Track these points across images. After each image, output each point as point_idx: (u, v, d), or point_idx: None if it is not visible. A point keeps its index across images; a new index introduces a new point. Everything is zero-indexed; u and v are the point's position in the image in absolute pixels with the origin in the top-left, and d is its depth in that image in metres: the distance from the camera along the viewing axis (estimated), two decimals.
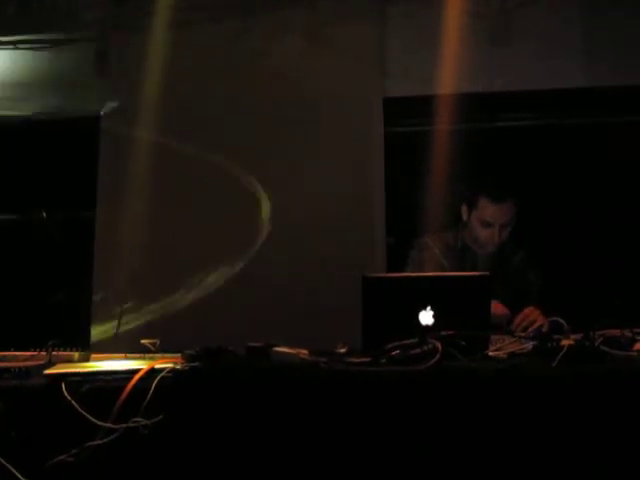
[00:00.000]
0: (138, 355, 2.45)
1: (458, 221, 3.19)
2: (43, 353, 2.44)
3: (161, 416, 2.06)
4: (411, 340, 2.10)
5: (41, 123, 4.32)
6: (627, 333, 2.31)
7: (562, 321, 2.23)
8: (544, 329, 2.62)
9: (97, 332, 3.93)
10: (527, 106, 4.22)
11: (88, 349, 2.53)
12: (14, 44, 4.36)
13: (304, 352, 2.19)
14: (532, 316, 2.81)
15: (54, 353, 2.43)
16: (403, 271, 3.14)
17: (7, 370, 2.25)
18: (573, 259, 3.98)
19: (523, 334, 2.33)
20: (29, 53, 4.37)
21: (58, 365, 2.31)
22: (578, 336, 2.22)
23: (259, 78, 4.17)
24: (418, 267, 3.10)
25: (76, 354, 2.46)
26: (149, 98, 4.12)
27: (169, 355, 2.36)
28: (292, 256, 3.99)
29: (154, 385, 2.08)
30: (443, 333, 2.09)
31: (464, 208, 3.12)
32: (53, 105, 4.33)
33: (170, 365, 2.16)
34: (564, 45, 4.14)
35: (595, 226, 4.03)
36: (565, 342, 2.14)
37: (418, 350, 2.06)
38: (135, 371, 2.14)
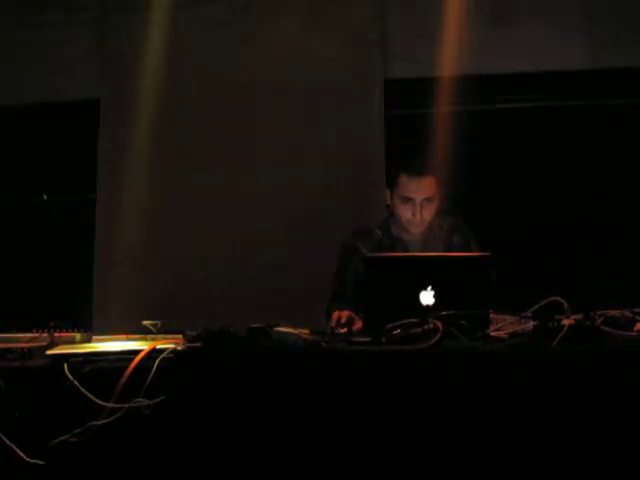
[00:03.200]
0: (140, 336, 2.46)
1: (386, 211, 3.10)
2: (45, 334, 2.45)
3: (163, 396, 2.08)
4: (412, 320, 2.11)
5: (40, 106, 4.30)
6: (627, 313, 2.31)
7: (563, 300, 2.22)
8: None
9: (98, 313, 3.95)
10: (529, 88, 4.20)
11: (90, 330, 2.54)
12: (13, 26, 4.33)
13: (305, 332, 2.19)
14: None
15: (56, 334, 2.45)
16: (331, 282, 3.03)
17: (10, 351, 2.26)
18: (572, 240, 3.99)
19: (524, 314, 2.32)
20: (28, 35, 4.34)
21: (60, 346, 2.33)
22: (579, 316, 2.22)
23: (258, 60, 4.14)
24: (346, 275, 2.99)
25: (78, 335, 2.48)
26: (148, 81, 4.10)
27: (170, 336, 2.37)
28: (291, 239, 3.99)
29: (156, 366, 2.09)
30: (444, 313, 2.10)
31: (387, 193, 3.02)
32: (52, 88, 4.31)
33: (172, 346, 2.17)
34: (566, 26, 4.12)
35: (596, 208, 4.02)
36: (566, 322, 2.14)
37: (419, 330, 2.07)
38: (137, 352, 2.15)
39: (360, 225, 3.17)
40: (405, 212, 2.93)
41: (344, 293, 2.96)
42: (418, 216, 2.91)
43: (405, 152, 3.13)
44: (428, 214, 2.93)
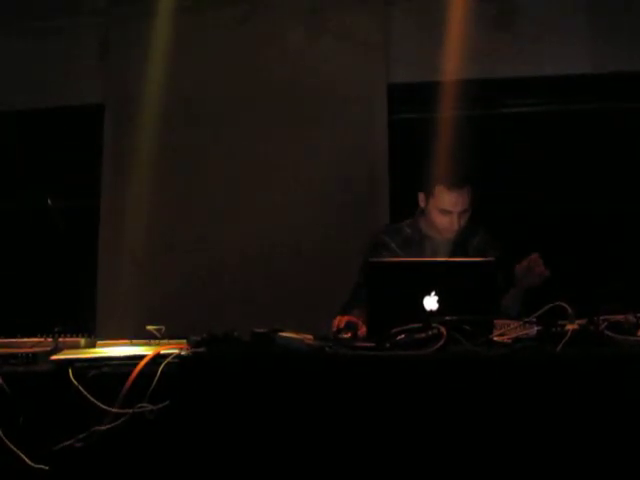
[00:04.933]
0: (144, 341, 2.46)
1: (415, 210, 3.14)
2: (49, 339, 2.44)
3: (167, 402, 2.08)
4: (416, 325, 2.11)
5: (45, 111, 4.31)
6: (631, 318, 2.31)
7: (566, 305, 2.23)
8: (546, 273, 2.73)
9: (102, 318, 3.96)
10: (532, 92, 4.20)
11: (94, 335, 2.54)
12: (18, 32, 4.35)
13: (309, 337, 2.19)
14: (537, 261, 2.81)
15: (60, 339, 2.44)
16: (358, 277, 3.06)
17: (14, 356, 2.26)
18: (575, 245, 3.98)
19: (527, 319, 2.32)
20: (33, 40, 4.36)
21: (65, 351, 2.32)
22: (582, 321, 2.22)
23: (262, 65, 4.16)
24: None
25: (82, 340, 2.47)
26: (153, 87, 4.11)
27: (174, 341, 2.37)
28: (294, 244, 4.00)
29: (160, 371, 2.09)
30: (447, 318, 2.10)
31: (421, 196, 3.06)
32: (57, 93, 4.32)
33: (176, 351, 2.17)
34: (569, 31, 4.12)
35: (598, 210, 4.02)
36: (569, 327, 2.14)
37: (423, 335, 2.08)
38: (141, 357, 2.15)
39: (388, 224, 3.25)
40: (442, 222, 3.00)
41: None
42: (455, 226, 2.98)
43: (441, 160, 3.15)
44: (464, 221, 3.01)
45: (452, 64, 3.99)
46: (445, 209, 2.97)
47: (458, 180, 2.97)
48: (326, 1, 4.20)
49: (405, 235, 3.09)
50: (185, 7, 4.19)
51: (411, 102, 4.21)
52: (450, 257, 2.97)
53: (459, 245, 3.05)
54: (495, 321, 2.25)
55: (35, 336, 2.48)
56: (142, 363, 2.12)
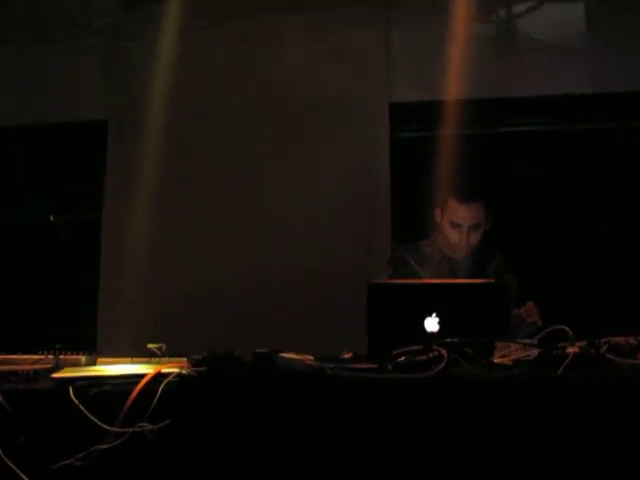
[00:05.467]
0: (144, 359, 2.46)
1: (435, 227, 3.16)
2: (50, 356, 2.44)
3: (167, 421, 2.07)
4: (417, 347, 2.11)
5: (49, 127, 4.33)
6: (632, 341, 2.31)
7: (567, 328, 2.23)
8: (539, 323, 2.73)
9: (103, 334, 3.96)
10: (533, 112, 4.22)
11: (95, 352, 2.54)
12: (23, 49, 4.38)
13: (310, 358, 2.19)
14: (531, 311, 2.81)
15: (61, 356, 2.44)
16: None
17: (15, 373, 2.25)
18: (573, 264, 3.99)
19: (527, 341, 2.32)
20: (38, 56, 4.39)
21: (65, 369, 2.32)
22: (583, 343, 2.22)
23: (264, 83, 4.19)
24: None
25: (83, 358, 2.47)
26: (156, 103, 4.14)
27: (175, 359, 2.36)
28: (295, 260, 4.00)
29: (160, 390, 2.09)
30: (448, 340, 2.10)
31: (437, 211, 3.10)
32: (61, 110, 4.34)
33: (176, 370, 2.17)
34: (569, 51, 4.15)
35: (600, 233, 4.03)
36: (570, 350, 2.14)
37: (423, 357, 2.07)
38: (142, 375, 2.15)
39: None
40: (453, 235, 3.03)
41: None
42: (464, 242, 3.00)
43: (455, 175, 3.18)
44: (475, 239, 3.03)
45: (453, 83, 4.01)
46: (455, 222, 3.01)
47: (469, 194, 2.99)
48: (328, 19, 4.23)
49: (425, 253, 3.12)
50: (187, 24, 4.21)
51: (413, 121, 4.23)
52: (468, 278, 2.98)
53: (477, 267, 3.07)
54: (496, 343, 2.25)
55: (36, 353, 2.48)
56: (143, 382, 2.12)
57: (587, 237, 4.04)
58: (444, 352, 2.06)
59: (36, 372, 2.27)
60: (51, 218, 3.91)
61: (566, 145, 4.16)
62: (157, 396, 2.08)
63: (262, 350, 2.21)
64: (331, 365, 2.14)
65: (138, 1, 4.35)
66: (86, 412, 2.08)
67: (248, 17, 4.24)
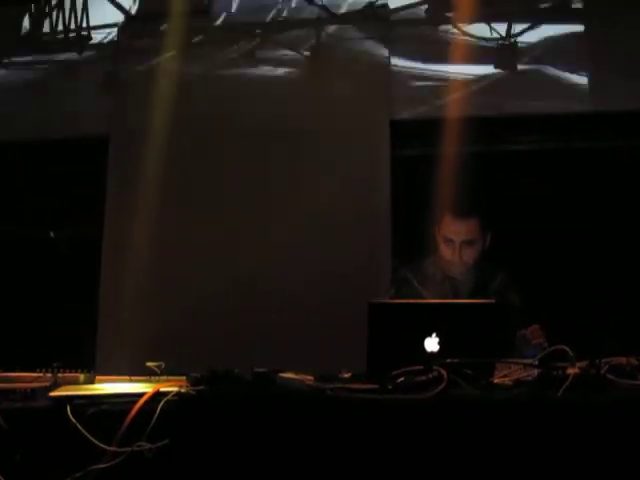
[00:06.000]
0: (143, 378, 2.44)
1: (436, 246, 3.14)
2: (48, 374, 2.43)
3: (166, 440, 2.06)
4: (417, 367, 2.10)
5: (50, 143, 4.34)
6: (633, 361, 2.30)
7: (567, 349, 2.22)
8: (545, 344, 2.69)
9: (102, 351, 3.94)
10: (532, 130, 4.23)
11: (93, 370, 2.53)
12: (26, 65, 4.40)
13: (309, 378, 2.19)
14: (536, 333, 2.80)
15: (59, 374, 2.43)
16: None
17: (12, 391, 2.25)
18: (574, 282, 3.98)
19: (528, 361, 2.31)
20: (40, 74, 4.41)
21: (63, 387, 2.31)
22: (584, 363, 2.21)
23: (265, 100, 4.20)
24: None
25: (81, 376, 2.46)
26: (158, 120, 4.14)
27: (174, 378, 2.35)
28: (296, 278, 4.00)
29: (159, 409, 2.08)
30: (448, 360, 2.09)
31: (436, 228, 3.08)
32: (62, 126, 4.35)
33: (175, 389, 2.16)
34: (570, 69, 4.17)
35: (600, 250, 4.02)
36: (570, 370, 2.13)
37: (423, 377, 2.07)
38: (140, 394, 2.14)
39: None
40: (446, 252, 3.01)
41: None
42: (457, 257, 2.97)
43: (450, 192, 3.18)
44: (468, 256, 2.99)
45: (453, 101, 4.03)
46: (447, 237, 2.99)
47: (463, 209, 2.98)
48: (329, 36, 4.25)
49: (425, 273, 3.10)
50: (189, 43, 4.23)
51: (413, 138, 4.24)
52: (470, 299, 2.96)
53: (480, 287, 3.04)
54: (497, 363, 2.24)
55: (34, 370, 2.47)
56: (141, 401, 2.11)
57: (589, 254, 4.03)
58: (444, 373, 2.05)
59: (34, 390, 2.26)
60: (51, 234, 3.93)
61: (566, 163, 4.16)
62: (156, 415, 2.07)
63: (261, 369, 2.20)
64: (331, 386, 2.13)
65: (139, 18, 4.38)
66: (84, 431, 2.08)
67: (248, 34, 4.25)
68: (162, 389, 2.17)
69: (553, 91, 4.16)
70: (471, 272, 3.04)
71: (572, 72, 4.18)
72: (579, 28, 4.25)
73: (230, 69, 4.28)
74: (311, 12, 4.30)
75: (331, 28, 4.26)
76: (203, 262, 4.11)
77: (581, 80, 4.20)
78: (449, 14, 4.25)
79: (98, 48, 4.42)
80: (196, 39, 4.26)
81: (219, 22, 4.32)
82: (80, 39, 4.43)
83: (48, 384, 2.35)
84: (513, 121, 4.21)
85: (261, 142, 4.18)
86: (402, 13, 4.30)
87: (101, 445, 2.07)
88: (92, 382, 2.45)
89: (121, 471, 2.06)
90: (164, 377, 2.40)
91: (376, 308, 2.28)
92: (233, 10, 4.33)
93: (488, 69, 4.17)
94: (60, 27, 4.44)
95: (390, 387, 2.06)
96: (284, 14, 4.28)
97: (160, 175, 4.13)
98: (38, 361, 2.50)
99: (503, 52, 4.21)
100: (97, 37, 4.44)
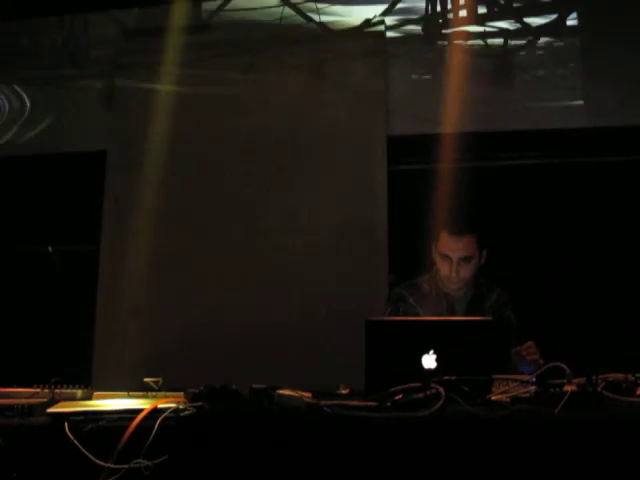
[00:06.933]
0: (141, 393, 2.44)
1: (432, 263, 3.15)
2: (46, 390, 2.43)
3: (164, 457, 2.06)
4: (414, 384, 2.10)
5: (47, 157, 4.35)
6: (630, 377, 2.31)
7: (564, 366, 2.22)
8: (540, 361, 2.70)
9: (99, 366, 3.93)
10: (529, 146, 4.25)
11: (90, 386, 2.52)
12: (24, 80, 4.42)
13: (307, 395, 2.19)
14: (531, 349, 2.81)
15: (57, 390, 2.43)
16: None
17: (10, 407, 2.24)
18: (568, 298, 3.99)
19: (525, 378, 2.32)
20: (38, 89, 4.42)
21: (61, 403, 2.31)
22: (581, 380, 2.22)
23: (262, 115, 4.21)
24: None
25: (79, 392, 2.46)
26: (156, 135, 4.15)
27: (172, 394, 2.35)
28: (292, 295, 4.00)
29: (157, 425, 2.08)
30: (446, 378, 2.10)
31: (433, 245, 3.09)
32: (60, 140, 4.37)
33: (173, 405, 2.16)
34: (566, 85, 4.19)
35: (597, 266, 4.03)
36: (568, 387, 2.14)
37: (421, 395, 2.07)
38: (138, 411, 2.14)
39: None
40: (443, 268, 3.01)
41: None
42: (454, 274, 2.98)
43: (447, 208, 3.19)
44: (465, 273, 3.00)
45: (451, 117, 4.04)
46: (444, 253, 2.99)
47: (460, 226, 2.99)
48: (326, 52, 4.27)
49: (422, 290, 3.11)
50: (188, 58, 4.25)
51: (410, 154, 4.25)
52: (466, 315, 2.98)
53: (476, 303, 3.06)
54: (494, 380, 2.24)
55: (31, 386, 2.47)
56: (139, 418, 2.11)
57: (586, 270, 4.03)
58: (441, 390, 2.05)
59: (31, 406, 2.25)
60: (49, 249, 3.93)
61: (563, 179, 4.18)
62: (153, 432, 2.06)
63: (259, 386, 2.21)
64: (329, 403, 2.13)
65: (138, 33, 4.40)
66: (81, 448, 2.07)
67: (247, 50, 4.28)
68: (160, 405, 2.17)
69: (550, 107, 4.18)
70: (467, 288, 3.06)
71: (568, 88, 4.20)
72: (575, 44, 4.28)
73: (228, 85, 4.29)
74: (309, 29, 4.33)
75: (329, 44, 4.28)
76: (201, 278, 4.11)
77: (577, 96, 4.22)
78: (446, 31, 4.28)
79: (97, 64, 4.43)
80: (195, 55, 4.26)
81: (217, 38, 4.33)
82: (79, 54, 4.44)
83: (46, 400, 2.35)
84: (510, 137, 4.23)
85: (259, 157, 4.20)
86: (399, 29, 4.34)
87: (99, 462, 2.06)
88: (90, 398, 2.45)
89: None
90: (162, 393, 2.40)
91: (373, 325, 2.28)
92: (231, 26, 4.35)
93: (485, 85, 4.19)
94: (59, 43, 4.45)
95: (388, 404, 2.06)
96: (282, 31, 4.30)
97: (158, 189, 4.13)
98: (36, 377, 2.50)
99: (500, 68, 4.23)
100: (96, 53, 4.45)
